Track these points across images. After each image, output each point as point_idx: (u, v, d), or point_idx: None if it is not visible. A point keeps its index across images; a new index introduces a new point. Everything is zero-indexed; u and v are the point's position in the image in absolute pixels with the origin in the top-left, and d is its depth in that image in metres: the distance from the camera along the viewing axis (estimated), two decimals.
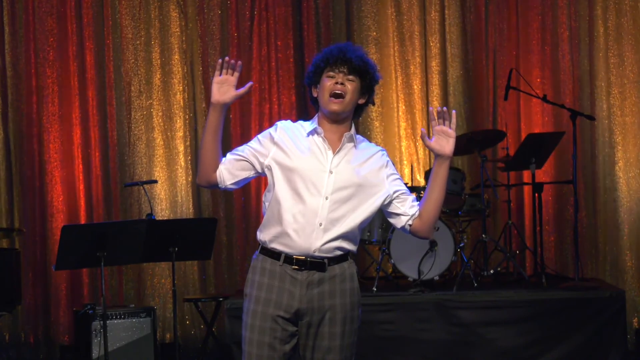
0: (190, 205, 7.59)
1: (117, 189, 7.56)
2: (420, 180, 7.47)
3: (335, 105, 3.35)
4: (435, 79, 7.71)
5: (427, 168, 7.39)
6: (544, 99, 6.90)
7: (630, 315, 6.94)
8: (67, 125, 7.58)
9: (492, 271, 6.83)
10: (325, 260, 3.34)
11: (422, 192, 6.83)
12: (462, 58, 7.69)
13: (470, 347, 6.18)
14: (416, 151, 7.71)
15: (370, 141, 3.60)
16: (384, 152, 3.51)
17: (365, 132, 7.49)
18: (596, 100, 7.51)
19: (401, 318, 6.22)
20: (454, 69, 7.68)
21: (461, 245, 6.72)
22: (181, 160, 7.63)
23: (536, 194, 7.01)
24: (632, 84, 7.49)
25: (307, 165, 3.34)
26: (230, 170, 3.42)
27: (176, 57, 7.66)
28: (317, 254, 3.32)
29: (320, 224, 3.30)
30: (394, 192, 3.43)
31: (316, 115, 3.46)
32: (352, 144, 3.42)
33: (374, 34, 7.72)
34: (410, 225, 3.44)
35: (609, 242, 7.45)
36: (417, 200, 3.49)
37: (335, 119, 3.39)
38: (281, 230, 3.34)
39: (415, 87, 7.73)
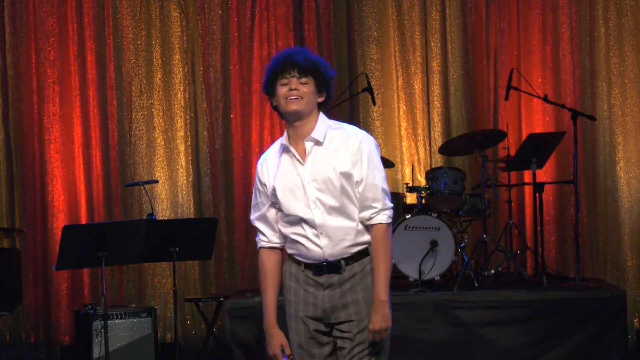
0: (191, 205, 7.59)
1: (117, 188, 7.56)
2: (421, 180, 7.46)
3: (294, 105, 3.39)
4: (436, 79, 7.71)
5: (428, 168, 7.38)
6: (545, 99, 6.90)
7: (630, 315, 6.94)
8: (67, 125, 7.58)
9: (492, 271, 6.82)
10: (342, 262, 3.40)
11: (422, 192, 6.84)
12: (463, 58, 7.68)
13: (470, 347, 6.18)
14: (417, 151, 7.70)
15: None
16: (359, 137, 3.45)
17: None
18: (597, 100, 7.50)
19: (402, 318, 6.20)
20: (455, 69, 7.68)
21: (462, 245, 6.72)
22: (182, 160, 7.63)
23: (537, 194, 6.99)
24: (633, 84, 7.48)
25: (289, 185, 3.41)
26: (275, 234, 3.51)
27: (177, 57, 7.66)
28: (331, 258, 3.40)
29: (322, 233, 3.38)
30: (356, 182, 3.41)
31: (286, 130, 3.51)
32: (317, 146, 3.42)
33: (375, 34, 7.71)
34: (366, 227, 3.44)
35: (610, 242, 7.45)
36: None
37: (297, 117, 3.41)
38: (294, 246, 3.46)
39: (416, 87, 7.73)
